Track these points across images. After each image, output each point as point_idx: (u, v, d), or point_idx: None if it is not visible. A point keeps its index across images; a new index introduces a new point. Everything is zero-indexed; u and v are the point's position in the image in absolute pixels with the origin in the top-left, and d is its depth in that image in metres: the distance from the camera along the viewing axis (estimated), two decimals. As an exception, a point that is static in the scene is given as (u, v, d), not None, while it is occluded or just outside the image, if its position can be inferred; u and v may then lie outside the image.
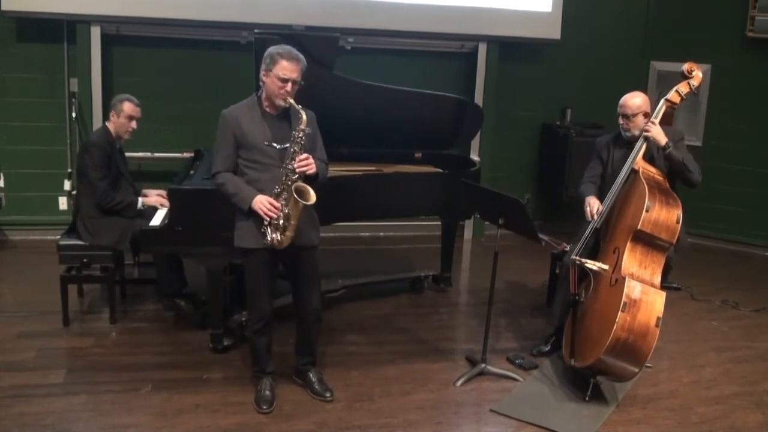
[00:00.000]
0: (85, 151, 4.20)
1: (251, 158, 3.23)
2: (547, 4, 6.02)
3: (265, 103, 3.24)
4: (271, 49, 3.18)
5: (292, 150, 3.17)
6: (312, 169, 3.18)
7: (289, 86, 3.14)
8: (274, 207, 3.16)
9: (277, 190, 3.19)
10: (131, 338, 4.06)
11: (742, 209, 6.29)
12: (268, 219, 3.16)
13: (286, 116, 3.24)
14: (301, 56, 3.17)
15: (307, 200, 3.15)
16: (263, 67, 3.18)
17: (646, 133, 3.75)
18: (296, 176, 3.16)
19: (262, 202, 3.16)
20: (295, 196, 3.13)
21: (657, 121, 3.78)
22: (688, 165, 3.77)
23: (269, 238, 3.19)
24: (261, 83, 3.22)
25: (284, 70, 3.12)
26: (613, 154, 4.00)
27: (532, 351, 4.07)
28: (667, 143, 3.73)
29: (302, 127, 3.16)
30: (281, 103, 3.17)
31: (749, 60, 6.06)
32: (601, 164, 4.07)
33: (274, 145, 3.20)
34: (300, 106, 3.15)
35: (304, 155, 3.17)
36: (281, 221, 3.17)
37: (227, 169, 3.26)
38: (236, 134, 3.21)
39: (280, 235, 3.19)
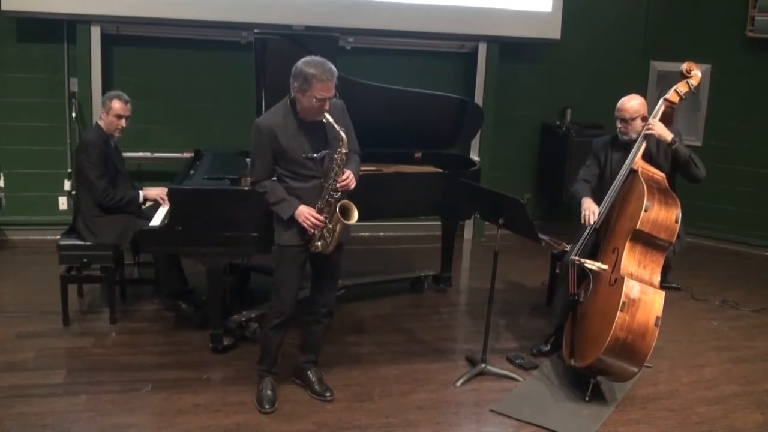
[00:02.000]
0: (81, 150, 4.19)
1: (290, 170, 3.26)
2: (547, 4, 6.02)
3: (301, 114, 3.22)
4: (304, 68, 3.11)
5: (333, 170, 3.21)
6: (353, 184, 3.25)
7: (326, 104, 3.15)
8: (319, 221, 3.22)
9: (319, 205, 3.24)
10: (131, 338, 4.06)
11: (742, 209, 6.29)
12: (312, 231, 3.23)
13: (320, 121, 3.23)
14: (334, 69, 3.14)
15: (349, 219, 3.23)
16: (296, 84, 3.13)
17: (649, 131, 3.74)
18: (338, 194, 3.22)
19: (305, 216, 3.20)
20: (339, 216, 3.19)
21: (657, 119, 3.77)
22: (695, 160, 3.77)
23: (313, 246, 3.27)
24: (293, 95, 3.19)
25: (321, 92, 3.10)
26: (611, 156, 3.99)
27: (532, 351, 4.07)
28: (673, 139, 3.74)
29: (344, 150, 3.19)
30: (318, 118, 3.18)
31: (749, 60, 6.06)
32: (597, 165, 4.07)
33: (313, 155, 3.22)
34: (339, 126, 3.15)
35: (345, 174, 3.23)
36: (325, 233, 3.25)
37: (267, 177, 3.29)
38: (274, 147, 3.22)
39: (324, 244, 3.27)
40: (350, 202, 3.26)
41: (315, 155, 3.22)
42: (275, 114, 3.26)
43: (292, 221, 3.24)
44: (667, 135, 3.74)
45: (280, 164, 3.27)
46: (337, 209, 3.21)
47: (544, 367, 3.91)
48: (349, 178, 3.24)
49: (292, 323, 3.50)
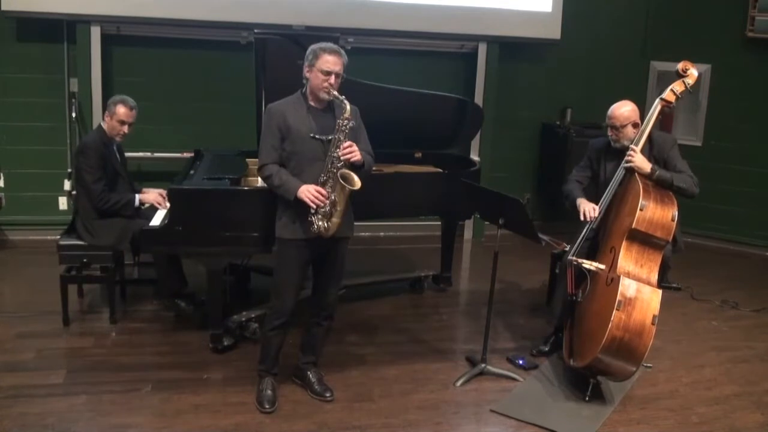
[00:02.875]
0: (80, 152, 4.17)
1: (296, 151, 3.27)
2: (547, 4, 6.02)
3: (310, 98, 3.28)
4: (313, 46, 3.24)
5: (337, 138, 3.21)
6: (357, 156, 3.23)
7: (332, 79, 3.20)
8: (321, 194, 3.19)
9: (323, 178, 3.23)
10: (131, 338, 4.06)
11: (742, 209, 6.29)
12: (315, 207, 3.20)
13: (330, 110, 3.29)
14: (343, 51, 3.23)
15: (353, 185, 3.19)
16: (306, 64, 3.23)
17: (628, 164, 3.69)
18: (341, 164, 3.21)
19: (308, 190, 3.19)
20: (341, 181, 3.17)
21: (640, 145, 3.72)
22: (679, 185, 3.69)
23: (316, 226, 3.22)
24: (304, 80, 3.27)
25: (327, 63, 3.18)
26: (605, 164, 3.96)
27: (532, 351, 4.07)
28: (652, 169, 3.68)
29: (346, 116, 3.20)
30: (325, 96, 3.22)
31: (749, 60, 6.06)
32: (590, 167, 4.06)
33: (319, 137, 3.24)
34: (344, 97, 3.20)
35: (348, 143, 3.22)
36: (328, 208, 3.21)
37: (273, 161, 3.29)
38: (281, 127, 3.25)
39: (327, 222, 3.23)
40: (350, 171, 3.22)
41: (322, 138, 3.24)
42: (286, 99, 3.34)
43: (296, 209, 3.23)
44: (646, 166, 3.68)
45: (286, 146, 3.27)
46: (339, 177, 3.18)
47: (543, 367, 3.91)
48: (352, 146, 3.22)
49: (292, 324, 3.49)
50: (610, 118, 3.86)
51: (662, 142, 3.85)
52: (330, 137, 3.23)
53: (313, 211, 3.21)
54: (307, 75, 3.25)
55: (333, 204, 3.22)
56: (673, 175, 3.70)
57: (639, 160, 3.68)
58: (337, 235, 3.30)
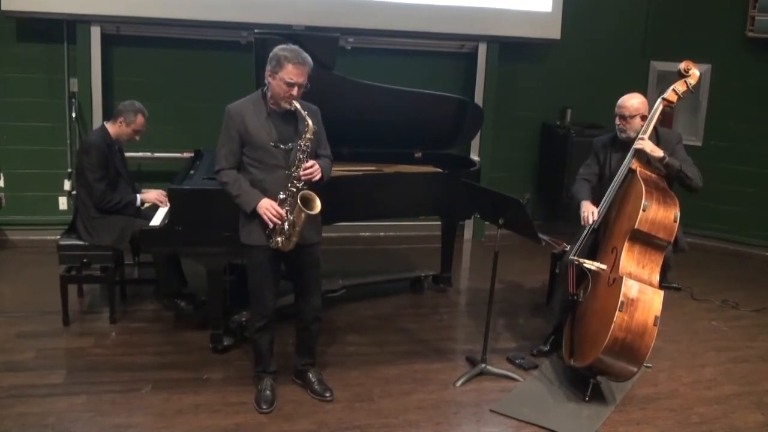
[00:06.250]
0: (84, 151, 4.19)
1: (256, 157, 3.22)
2: (547, 4, 6.02)
3: (271, 102, 3.22)
4: (278, 51, 3.13)
5: (297, 157, 3.17)
6: (317, 176, 3.20)
7: (295, 90, 3.13)
8: (280, 213, 3.15)
9: (282, 195, 3.19)
10: (131, 338, 4.06)
11: (742, 209, 6.29)
12: (272, 225, 3.17)
13: (291, 115, 3.23)
14: (308, 58, 3.15)
15: (311, 210, 3.16)
16: (269, 68, 3.14)
17: (639, 146, 3.71)
18: (301, 183, 3.17)
19: (267, 208, 3.15)
20: (300, 205, 3.13)
21: (647, 135, 3.75)
22: (686, 172, 3.74)
23: (274, 242, 3.21)
24: (266, 82, 3.20)
25: (290, 74, 3.10)
26: (610, 157, 3.98)
27: (532, 351, 4.07)
28: (664, 154, 3.71)
29: (309, 136, 3.16)
30: (287, 106, 3.17)
31: (749, 60, 6.06)
32: (597, 164, 4.07)
33: (280, 145, 3.19)
34: (306, 113, 3.14)
35: (310, 163, 3.18)
36: (286, 227, 3.18)
37: (231, 166, 3.25)
38: (241, 132, 3.20)
39: (284, 240, 3.20)
40: (312, 193, 3.19)
41: (282, 145, 3.18)
42: (247, 100, 3.27)
43: (261, 222, 3.19)
44: (658, 152, 3.71)
45: (246, 152, 3.22)
46: (299, 199, 3.14)
47: (544, 367, 3.91)
48: (314, 167, 3.18)
49: (275, 323, 3.47)
50: (620, 107, 3.88)
51: (668, 138, 3.89)
52: (290, 146, 3.18)
53: (270, 227, 3.19)
54: (269, 80, 3.15)
55: (292, 225, 3.17)
56: (682, 163, 3.75)
57: (649, 147, 3.71)
58: (302, 243, 3.27)
